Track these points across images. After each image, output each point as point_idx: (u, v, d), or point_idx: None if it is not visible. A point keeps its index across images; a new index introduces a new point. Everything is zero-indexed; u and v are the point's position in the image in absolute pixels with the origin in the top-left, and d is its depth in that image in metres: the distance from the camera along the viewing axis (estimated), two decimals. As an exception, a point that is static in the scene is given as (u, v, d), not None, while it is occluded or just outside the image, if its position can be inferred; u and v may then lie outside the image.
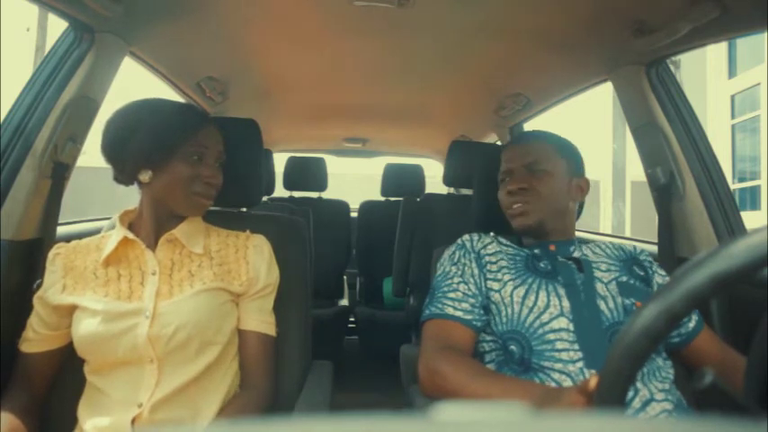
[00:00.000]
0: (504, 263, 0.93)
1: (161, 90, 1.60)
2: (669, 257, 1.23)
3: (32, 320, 0.85)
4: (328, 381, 1.02)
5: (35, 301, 0.86)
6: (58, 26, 1.09)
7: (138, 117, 0.85)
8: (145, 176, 0.85)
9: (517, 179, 0.97)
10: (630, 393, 0.75)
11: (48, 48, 1.12)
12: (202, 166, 0.87)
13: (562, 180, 0.97)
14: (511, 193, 0.97)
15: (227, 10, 1.24)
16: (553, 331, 0.82)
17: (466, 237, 1.01)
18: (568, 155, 1.00)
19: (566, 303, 0.84)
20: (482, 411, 0.20)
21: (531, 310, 0.85)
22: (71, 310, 0.83)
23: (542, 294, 0.86)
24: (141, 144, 0.83)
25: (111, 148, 0.85)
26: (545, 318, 0.83)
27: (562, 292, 0.86)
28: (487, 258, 0.95)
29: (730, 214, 1.18)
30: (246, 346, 0.90)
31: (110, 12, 1.03)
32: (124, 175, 0.87)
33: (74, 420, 0.82)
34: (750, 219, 4.09)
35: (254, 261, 0.92)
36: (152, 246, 0.88)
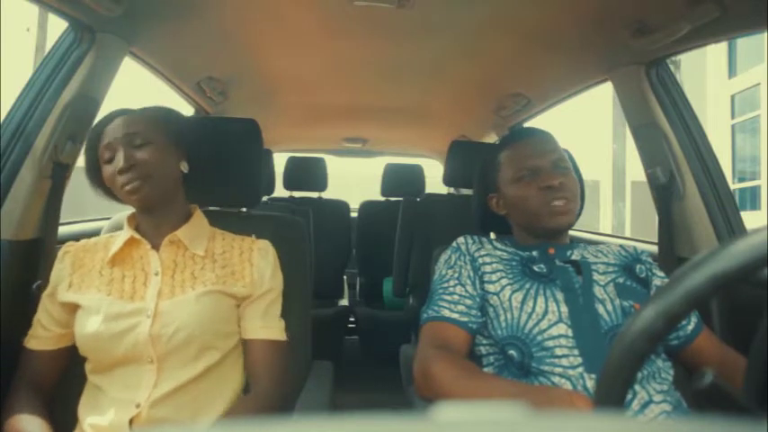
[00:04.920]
0: (499, 266, 0.92)
1: (161, 90, 1.61)
2: (669, 257, 1.23)
3: (42, 318, 0.86)
4: (328, 381, 1.02)
5: (45, 298, 0.87)
6: (58, 26, 1.09)
7: None
8: None
9: (551, 175, 0.92)
10: (629, 396, 0.75)
11: (48, 48, 1.12)
12: (116, 160, 0.84)
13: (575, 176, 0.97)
14: (551, 188, 0.90)
15: (227, 10, 1.24)
16: (552, 338, 0.81)
17: (461, 239, 1.00)
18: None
19: (564, 309, 0.84)
20: (482, 411, 0.20)
21: (529, 316, 0.84)
22: (75, 307, 0.84)
23: (540, 300, 0.85)
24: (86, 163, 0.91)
25: None
26: (543, 324, 0.83)
27: (560, 296, 0.85)
28: (482, 260, 0.94)
29: (730, 214, 1.18)
30: (252, 354, 0.89)
31: (110, 12, 1.02)
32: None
33: (74, 420, 0.82)
34: (750, 219, 4.09)
35: (258, 264, 0.92)
36: (157, 247, 0.88)
